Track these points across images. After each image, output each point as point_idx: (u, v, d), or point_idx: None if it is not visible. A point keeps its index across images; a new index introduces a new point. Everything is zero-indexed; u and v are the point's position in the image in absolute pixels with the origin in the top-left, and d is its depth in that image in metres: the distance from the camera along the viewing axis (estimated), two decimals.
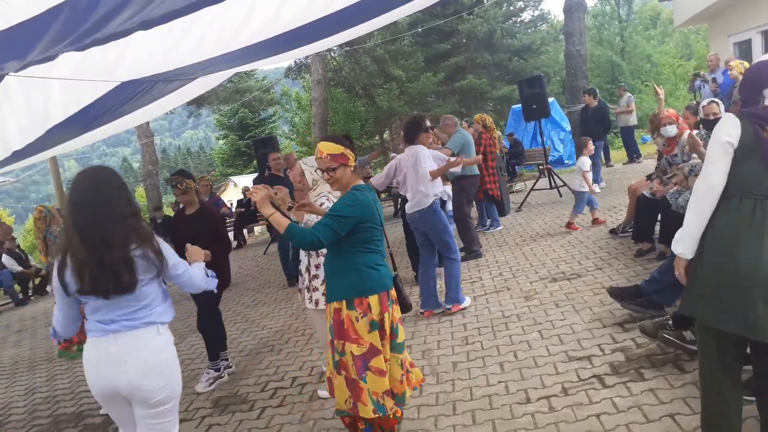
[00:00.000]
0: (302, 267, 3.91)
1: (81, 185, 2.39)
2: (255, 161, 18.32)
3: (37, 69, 2.34)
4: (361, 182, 2.99)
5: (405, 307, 3.35)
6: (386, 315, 2.89)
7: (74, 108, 3.22)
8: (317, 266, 3.74)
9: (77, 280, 2.31)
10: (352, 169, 2.92)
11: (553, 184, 10.54)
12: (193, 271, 2.67)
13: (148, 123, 17.49)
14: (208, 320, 4.73)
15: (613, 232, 6.70)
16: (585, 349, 3.83)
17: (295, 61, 23.85)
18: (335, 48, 21.92)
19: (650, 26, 38.41)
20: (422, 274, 5.34)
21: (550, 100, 13.23)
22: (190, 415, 4.18)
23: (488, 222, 8.74)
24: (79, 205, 2.36)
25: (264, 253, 11.31)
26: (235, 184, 32.91)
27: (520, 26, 30.97)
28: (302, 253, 3.92)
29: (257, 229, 16.01)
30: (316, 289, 3.75)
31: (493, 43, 27.46)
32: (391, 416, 2.94)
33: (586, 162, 7.24)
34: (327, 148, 2.87)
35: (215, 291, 2.99)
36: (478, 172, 7.15)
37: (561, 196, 10.20)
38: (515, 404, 3.32)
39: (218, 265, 4.32)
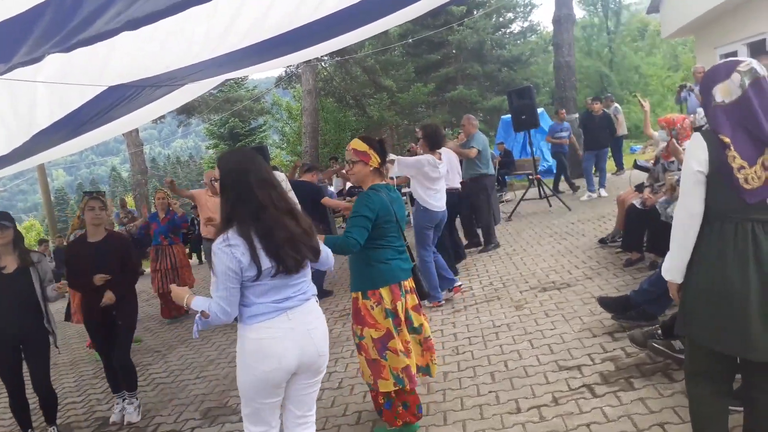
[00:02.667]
0: None
1: (257, 164, 2.35)
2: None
3: (22, 72, 2.31)
4: (380, 182, 3.28)
5: (422, 294, 3.53)
6: (399, 304, 3.21)
7: (61, 113, 3.18)
8: None
9: (272, 261, 2.25)
10: (371, 168, 3.23)
11: (542, 194, 10.59)
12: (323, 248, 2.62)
13: (137, 132, 17.45)
14: (125, 354, 4.43)
15: (602, 241, 6.73)
16: (575, 359, 3.83)
17: (285, 71, 23.91)
18: (326, 58, 21.98)
19: (638, 38, 38.83)
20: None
21: (540, 110, 13.34)
22: (180, 426, 4.13)
23: None
24: (262, 184, 2.30)
25: None
26: None
27: (509, 37, 31.24)
28: None
29: None
30: None
31: (483, 53, 27.67)
32: (411, 391, 3.25)
33: None
34: (355, 143, 3.25)
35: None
36: (494, 172, 7.67)
37: (551, 206, 10.24)
38: (506, 414, 3.31)
39: (126, 297, 4.35)
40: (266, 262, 2.24)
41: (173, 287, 2.47)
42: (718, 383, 2.26)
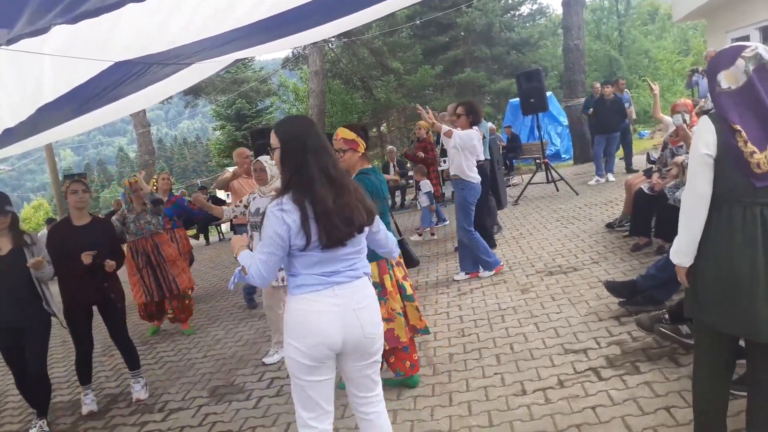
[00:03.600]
0: None
1: (314, 132, 2.29)
2: (252, 152, 18.24)
3: (28, 43, 2.31)
4: (368, 166, 3.57)
5: (411, 262, 3.87)
6: (386, 276, 3.50)
7: (67, 86, 3.18)
8: None
9: (323, 231, 2.16)
10: (360, 154, 3.48)
11: (550, 178, 10.54)
12: (383, 229, 2.54)
13: (144, 113, 17.45)
14: (124, 334, 4.49)
15: (609, 226, 6.71)
16: (581, 342, 3.84)
17: (292, 52, 23.78)
18: (333, 39, 21.83)
19: (648, 21, 38.32)
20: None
21: (548, 94, 13.21)
22: (187, 403, 4.18)
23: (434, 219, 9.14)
24: (319, 152, 2.23)
25: None
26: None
27: (518, 20, 30.92)
28: None
29: None
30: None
31: (491, 36, 27.39)
32: (401, 348, 3.61)
33: (425, 184, 8.54)
34: (343, 133, 3.45)
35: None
36: (490, 157, 7.67)
37: (558, 190, 10.20)
38: (511, 396, 3.33)
39: (116, 277, 4.36)
40: (316, 232, 2.16)
41: (235, 237, 2.44)
42: (722, 367, 2.29)
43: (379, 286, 3.39)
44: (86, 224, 4.22)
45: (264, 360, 4.71)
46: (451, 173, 5.78)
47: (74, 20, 2.23)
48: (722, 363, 2.29)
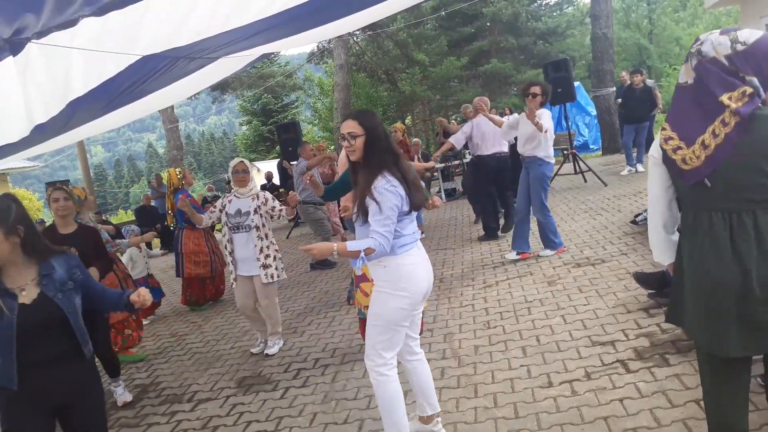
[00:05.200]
0: (257, 250, 4.68)
1: (375, 119, 2.73)
2: (278, 146, 18.39)
3: (57, 37, 2.35)
4: None
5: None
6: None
7: (96, 80, 3.24)
8: (267, 247, 4.71)
9: (415, 199, 2.66)
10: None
11: (577, 169, 10.41)
12: None
13: (172, 108, 17.66)
14: (108, 344, 4.38)
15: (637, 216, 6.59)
16: (609, 334, 3.79)
17: (317, 46, 23.81)
18: (358, 32, 21.79)
19: (679, 8, 37.47)
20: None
21: (576, 84, 13.02)
22: (215, 394, 4.24)
23: None
24: (388, 135, 2.73)
25: (286, 237, 11.38)
26: (258, 170, 33.11)
27: (545, 9, 30.51)
28: (255, 237, 4.69)
29: None
30: (269, 266, 4.69)
31: (517, 26, 27.10)
32: None
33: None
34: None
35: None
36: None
37: (586, 181, 10.06)
38: (537, 388, 3.30)
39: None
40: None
41: (317, 245, 2.60)
42: (730, 387, 2.04)
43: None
44: (72, 233, 4.12)
45: (267, 352, 4.85)
46: (527, 154, 5.96)
47: (102, 11, 2.27)
48: (726, 369, 2.02)
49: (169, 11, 2.70)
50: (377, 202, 2.54)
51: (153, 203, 14.04)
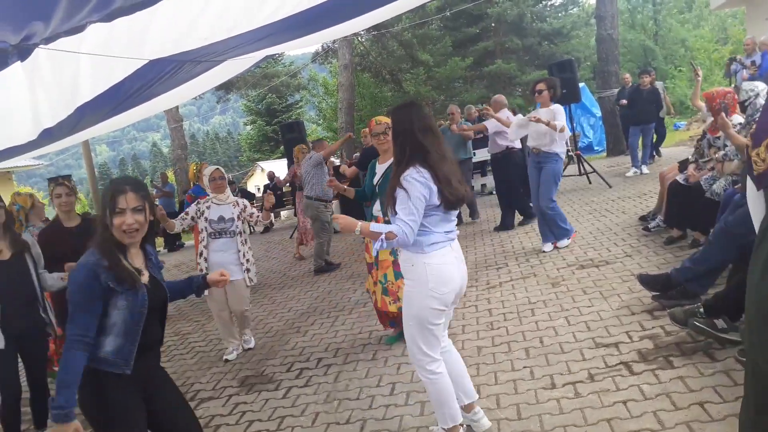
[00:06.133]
0: (240, 255, 4.85)
1: (422, 113, 2.77)
2: (282, 146, 18.42)
3: (66, 42, 2.36)
4: None
5: None
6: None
7: (104, 85, 3.25)
8: (248, 251, 4.91)
9: (448, 195, 2.63)
10: None
11: (582, 170, 10.38)
12: None
13: (177, 108, 17.71)
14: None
15: (643, 219, 6.58)
16: (612, 336, 3.78)
17: (322, 46, 23.82)
18: (362, 32, 21.81)
19: (685, 10, 37.40)
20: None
21: (581, 85, 13.00)
22: (218, 393, 4.25)
23: None
24: (425, 132, 2.70)
25: (290, 237, 11.40)
26: (262, 169, 33.16)
27: (550, 10, 30.42)
28: (239, 242, 4.85)
29: (283, 213, 16.13)
30: (250, 270, 4.90)
31: (522, 27, 27.05)
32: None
33: None
34: (383, 119, 4.04)
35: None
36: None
37: (590, 182, 10.05)
38: (540, 389, 3.30)
39: None
40: (440, 194, 2.63)
41: (343, 217, 2.70)
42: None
43: (376, 264, 4.30)
44: (77, 225, 4.19)
45: (249, 346, 5.11)
46: (545, 149, 6.08)
47: (109, 18, 2.27)
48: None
49: (177, 17, 2.70)
50: (405, 190, 2.57)
51: (157, 202, 14.08)
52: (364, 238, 3.54)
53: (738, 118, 4.63)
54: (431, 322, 2.69)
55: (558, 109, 6.00)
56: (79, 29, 2.27)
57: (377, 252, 2.80)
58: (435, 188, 2.60)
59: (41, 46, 2.37)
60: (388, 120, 3.87)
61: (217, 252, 4.79)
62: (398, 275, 4.12)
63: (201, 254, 4.84)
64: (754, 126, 1.84)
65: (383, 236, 2.53)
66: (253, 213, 4.91)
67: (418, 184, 2.57)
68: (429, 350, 2.74)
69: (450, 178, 2.65)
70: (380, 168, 4.24)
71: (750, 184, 1.94)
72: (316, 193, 7.42)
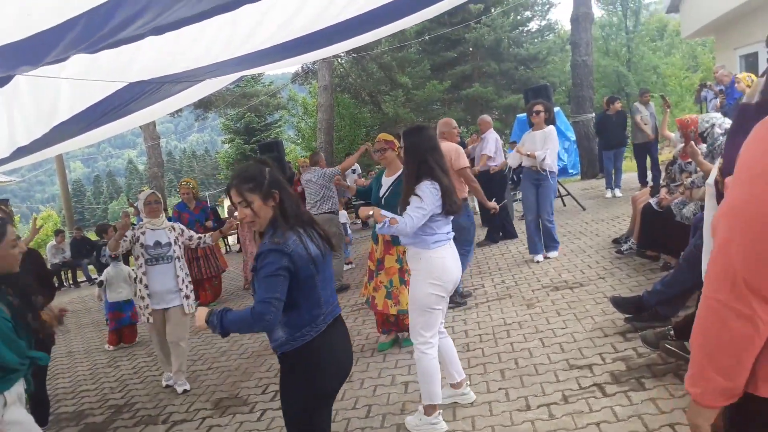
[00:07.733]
0: (179, 280, 4.62)
1: (429, 135, 3.29)
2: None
3: (47, 69, 2.36)
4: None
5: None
6: (388, 256, 4.57)
7: (81, 106, 3.24)
8: (186, 276, 4.72)
9: (447, 203, 3.13)
10: (396, 153, 4.41)
11: (557, 193, 10.53)
12: None
13: (154, 125, 17.57)
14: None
15: (616, 242, 6.69)
16: (586, 358, 3.83)
17: (302, 67, 23.91)
18: (342, 54, 21.98)
19: (657, 38, 38.47)
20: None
21: (556, 109, 13.22)
22: (191, 416, 4.18)
23: None
24: (434, 149, 3.23)
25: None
26: None
27: (527, 36, 31.06)
28: (177, 268, 4.62)
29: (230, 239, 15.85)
30: (189, 296, 4.70)
31: (499, 52, 27.53)
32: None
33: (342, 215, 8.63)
34: (384, 136, 4.49)
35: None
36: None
37: (564, 205, 10.20)
38: (515, 411, 3.32)
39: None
40: (442, 203, 3.14)
41: (362, 209, 3.35)
42: None
43: (377, 273, 4.59)
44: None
45: (177, 388, 4.73)
46: (545, 168, 6.47)
47: (94, 51, 2.28)
48: None
49: (162, 50, 2.71)
50: (420, 197, 3.07)
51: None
52: (372, 244, 4.63)
53: (704, 147, 4.80)
54: (432, 307, 3.19)
55: (551, 130, 6.52)
56: (62, 59, 2.28)
57: (377, 232, 3.28)
58: (440, 198, 3.11)
59: (23, 73, 2.37)
60: (387, 138, 4.46)
61: (157, 279, 4.54)
62: (402, 281, 4.46)
63: (141, 281, 4.57)
64: (720, 160, 1.94)
65: (388, 220, 3.04)
66: (192, 236, 4.75)
67: (432, 192, 3.09)
68: (425, 331, 3.22)
69: (451, 190, 3.16)
70: (386, 181, 4.52)
71: (710, 207, 2.02)
72: (329, 206, 7.30)
